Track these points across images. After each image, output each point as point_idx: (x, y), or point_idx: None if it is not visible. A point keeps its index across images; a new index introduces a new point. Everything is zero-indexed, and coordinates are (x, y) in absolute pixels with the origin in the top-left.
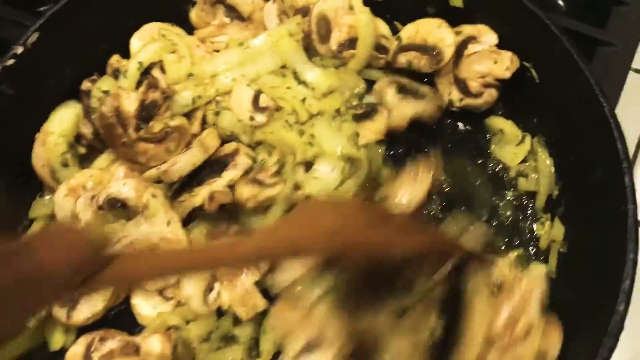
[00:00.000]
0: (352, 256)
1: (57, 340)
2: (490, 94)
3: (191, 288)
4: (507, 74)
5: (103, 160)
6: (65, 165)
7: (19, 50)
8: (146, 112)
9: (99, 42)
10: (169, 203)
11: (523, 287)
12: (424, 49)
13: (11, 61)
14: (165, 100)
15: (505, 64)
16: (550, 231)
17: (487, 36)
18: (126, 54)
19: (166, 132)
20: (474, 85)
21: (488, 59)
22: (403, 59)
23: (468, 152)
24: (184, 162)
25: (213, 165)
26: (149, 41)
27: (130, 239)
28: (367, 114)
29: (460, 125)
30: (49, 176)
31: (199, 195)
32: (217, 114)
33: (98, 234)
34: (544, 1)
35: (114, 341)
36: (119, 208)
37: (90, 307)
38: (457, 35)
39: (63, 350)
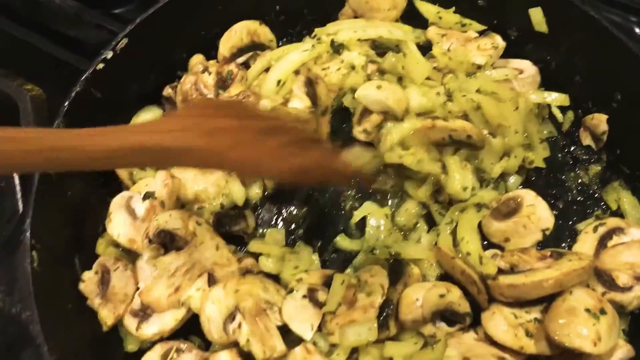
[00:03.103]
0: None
1: (131, 342)
2: None
3: (213, 311)
4: None
5: None
6: (142, 168)
7: (109, 55)
8: (223, 83)
9: (182, 48)
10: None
11: None
12: None
13: (101, 65)
14: (239, 71)
15: None
16: None
17: (636, 230)
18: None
19: (244, 94)
20: (622, 277)
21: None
22: None
23: None
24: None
25: None
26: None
27: (186, 267)
28: None
29: None
30: (128, 177)
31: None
32: None
33: None
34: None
35: (191, 355)
36: (167, 241)
37: (160, 325)
38: (601, 226)
39: (140, 352)
